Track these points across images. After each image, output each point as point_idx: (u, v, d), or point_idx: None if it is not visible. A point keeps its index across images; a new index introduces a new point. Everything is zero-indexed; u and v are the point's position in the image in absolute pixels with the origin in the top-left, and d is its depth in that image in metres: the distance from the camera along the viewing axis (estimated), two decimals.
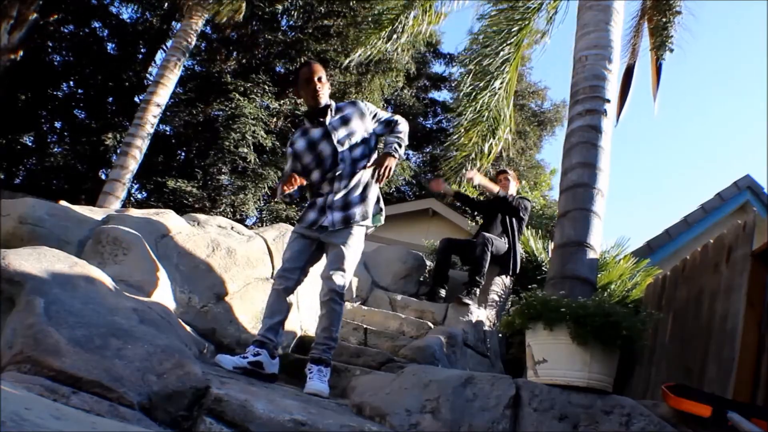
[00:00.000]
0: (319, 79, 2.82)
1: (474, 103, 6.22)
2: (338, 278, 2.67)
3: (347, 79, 12.00)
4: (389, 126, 2.93)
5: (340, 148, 2.78)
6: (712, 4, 16.39)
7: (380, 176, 2.73)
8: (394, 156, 2.77)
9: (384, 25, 6.82)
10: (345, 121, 2.84)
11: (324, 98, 2.84)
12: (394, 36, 6.84)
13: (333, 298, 2.67)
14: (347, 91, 12.09)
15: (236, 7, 8.92)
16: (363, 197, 2.82)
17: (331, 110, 2.86)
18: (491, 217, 5.09)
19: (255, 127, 10.34)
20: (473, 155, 6.56)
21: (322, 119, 2.83)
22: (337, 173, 2.78)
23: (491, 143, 6.46)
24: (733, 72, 36.69)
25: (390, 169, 2.74)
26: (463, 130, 6.52)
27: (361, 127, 2.85)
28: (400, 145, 2.83)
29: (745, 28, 34.40)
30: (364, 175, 2.84)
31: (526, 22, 6.07)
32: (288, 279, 2.73)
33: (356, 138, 2.82)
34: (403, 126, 2.93)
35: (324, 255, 2.85)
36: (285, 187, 2.74)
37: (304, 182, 2.80)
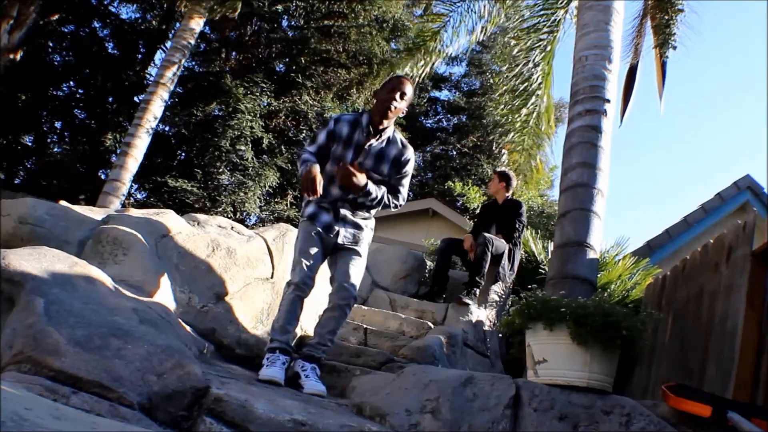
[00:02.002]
0: (401, 95, 2.76)
1: (515, 123, 6.33)
2: (357, 285, 2.72)
3: (351, 77, 12.00)
4: (394, 190, 2.85)
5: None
6: (712, 3, 16.41)
7: (337, 175, 2.67)
8: (363, 189, 2.67)
9: (416, 49, 6.95)
10: (381, 155, 2.80)
11: (391, 116, 2.77)
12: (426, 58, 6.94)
13: (350, 303, 2.72)
14: (349, 91, 12.09)
15: (233, 6, 8.90)
16: (368, 226, 2.88)
17: (383, 137, 2.80)
18: (488, 223, 5.08)
19: (252, 123, 10.34)
20: (523, 172, 6.73)
21: (371, 134, 2.78)
22: (350, 196, 2.75)
23: (538, 159, 6.58)
24: (733, 72, 36.70)
25: (349, 178, 2.62)
26: (507, 151, 6.68)
27: (387, 170, 2.82)
28: (374, 200, 2.75)
29: (745, 28, 34.41)
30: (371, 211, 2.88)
31: (554, 35, 6.13)
32: (309, 287, 2.69)
33: (377, 176, 2.79)
34: (398, 201, 2.85)
35: (329, 256, 2.84)
36: (307, 195, 2.65)
37: (320, 194, 2.68)
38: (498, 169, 5.54)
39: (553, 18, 6.11)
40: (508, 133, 6.55)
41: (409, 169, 2.88)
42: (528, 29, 6.23)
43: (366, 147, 2.76)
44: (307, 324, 3.60)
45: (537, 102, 6.32)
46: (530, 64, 6.08)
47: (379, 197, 2.75)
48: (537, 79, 6.17)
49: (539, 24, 6.14)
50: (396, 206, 2.87)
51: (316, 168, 2.64)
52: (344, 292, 2.69)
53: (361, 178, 2.66)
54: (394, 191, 2.85)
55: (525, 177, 6.83)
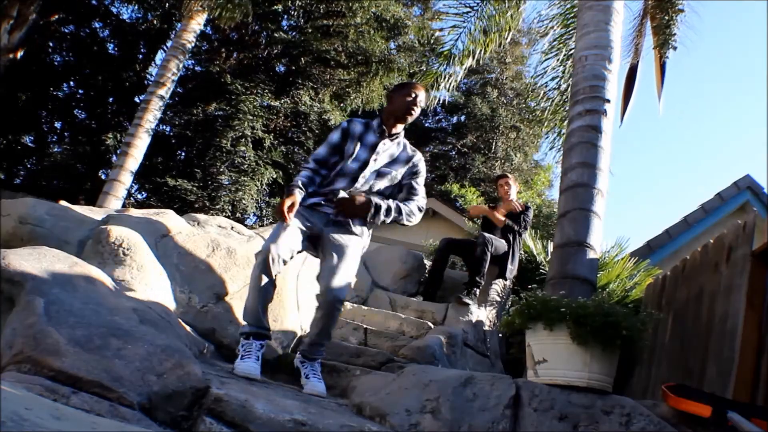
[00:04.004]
0: (419, 101, 2.78)
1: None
2: (343, 285, 2.60)
3: (349, 77, 12.01)
4: (409, 191, 2.82)
5: (367, 170, 2.71)
6: (712, 3, 16.42)
7: (337, 201, 2.63)
8: (370, 205, 2.63)
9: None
10: (393, 155, 2.81)
11: (408, 120, 2.80)
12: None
13: (337, 306, 2.60)
14: (347, 90, 12.09)
15: (245, 11, 8.86)
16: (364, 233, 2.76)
17: (395, 140, 2.82)
18: (493, 225, 5.10)
19: (254, 123, 10.35)
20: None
21: (383, 135, 2.77)
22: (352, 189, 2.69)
23: None
24: (733, 72, 36.70)
25: (351, 206, 2.62)
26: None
27: (399, 172, 2.82)
28: (389, 212, 2.69)
29: (745, 28, 34.41)
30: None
31: None
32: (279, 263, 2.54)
33: (388, 176, 2.79)
34: (414, 207, 2.78)
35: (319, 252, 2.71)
36: (284, 215, 2.54)
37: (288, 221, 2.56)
38: (506, 173, 5.55)
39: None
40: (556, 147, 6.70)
41: (422, 169, 2.86)
42: (557, 38, 6.28)
43: (380, 145, 2.76)
44: (307, 324, 3.60)
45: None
46: (566, 75, 6.15)
47: (390, 207, 2.69)
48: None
49: (567, 34, 6.20)
50: (419, 209, 2.79)
51: (296, 196, 2.58)
52: (329, 294, 2.56)
53: (359, 198, 2.63)
54: (409, 192, 2.82)
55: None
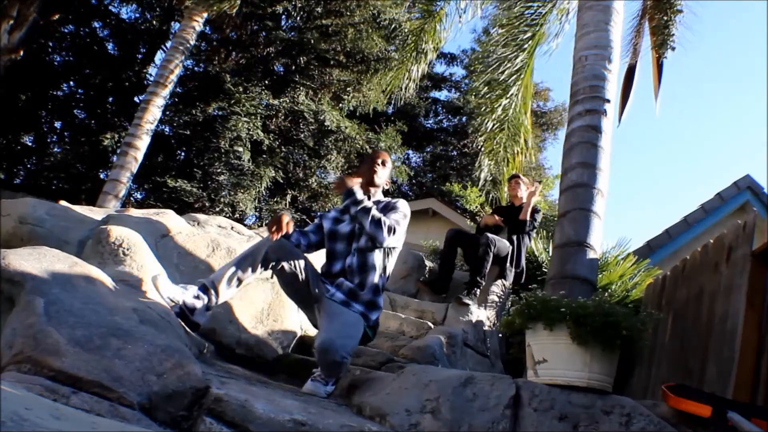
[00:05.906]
0: (382, 163, 2.94)
1: (492, 113, 6.34)
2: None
3: (348, 78, 12.00)
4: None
5: (354, 244, 2.75)
6: (712, 3, 16.43)
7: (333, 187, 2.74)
8: (356, 192, 2.66)
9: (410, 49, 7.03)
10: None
11: (376, 182, 2.90)
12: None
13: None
14: (346, 90, 12.08)
15: (232, 3, 8.85)
16: (371, 302, 2.72)
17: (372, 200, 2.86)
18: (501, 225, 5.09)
19: (249, 124, 10.34)
20: (503, 162, 6.71)
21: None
22: (347, 265, 2.72)
23: (516, 150, 6.60)
24: (733, 72, 36.70)
25: (341, 184, 2.69)
26: (483, 140, 6.71)
27: None
28: (367, 210, 2.65)
29: (745, 28, 34.42)
30: (375, 276, 2.74)
31: (538, 28, 6.13)
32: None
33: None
34: (386, 222, 2.68)
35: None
36: (273, 234, 2.54)
37: (290, 231, 2.60)
38: (517, 173, 5.54)
39: (538, 11, 6.15)
40: (485, 123, 6.63)
41: (400, 207, 2.83)
42: (512, 18, 6.25)
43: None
44: (307, 324, 3.60)
45: (516, 93, 6.35)
46: (512, 55, 6.12)
47: (368, 205, 2.67)
48: (517, 71, 6.19)
49: (524, 15, 6.19)
50: (390, 228, 2.69)
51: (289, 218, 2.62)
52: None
53: (349, 182, 2.69)
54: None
55: (499, 169, 6.89)
